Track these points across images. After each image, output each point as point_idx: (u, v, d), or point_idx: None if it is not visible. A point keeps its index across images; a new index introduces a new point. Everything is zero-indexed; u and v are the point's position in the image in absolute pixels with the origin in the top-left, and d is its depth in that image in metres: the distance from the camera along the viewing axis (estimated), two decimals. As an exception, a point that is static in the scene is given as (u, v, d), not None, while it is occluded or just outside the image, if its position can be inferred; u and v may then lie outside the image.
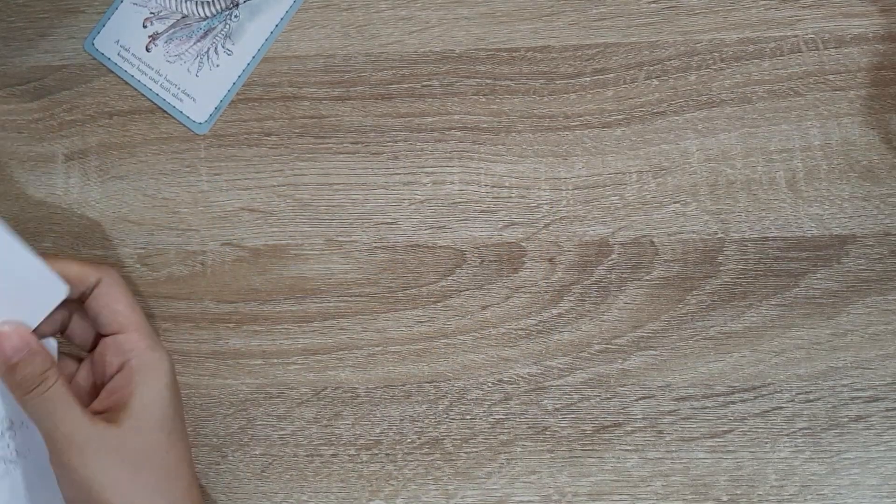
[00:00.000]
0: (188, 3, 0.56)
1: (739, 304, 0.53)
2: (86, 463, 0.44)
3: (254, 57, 0.56)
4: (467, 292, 0.54)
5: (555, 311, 0.54)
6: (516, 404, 0.53)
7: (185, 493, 0.46)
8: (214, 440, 0.53)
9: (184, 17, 0.56)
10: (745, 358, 0.53)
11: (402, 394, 0.53)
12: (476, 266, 0.54)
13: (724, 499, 0.52)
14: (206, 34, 0.56)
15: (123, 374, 0.46)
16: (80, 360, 0.49)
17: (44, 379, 0.45)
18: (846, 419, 0.52)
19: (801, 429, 0.52)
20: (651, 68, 0.55)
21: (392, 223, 0.55)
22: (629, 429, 0.53)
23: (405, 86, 0.55)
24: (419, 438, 0.53)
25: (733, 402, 0.53)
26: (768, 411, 0.52)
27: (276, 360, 0.54)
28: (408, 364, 0.54)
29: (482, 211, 0.55)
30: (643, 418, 0.53)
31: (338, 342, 0.54)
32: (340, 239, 0.55)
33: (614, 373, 0.53)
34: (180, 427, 0.47)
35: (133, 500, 0.44)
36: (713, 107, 0.55)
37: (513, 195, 0.55)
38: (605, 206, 0.54)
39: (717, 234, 0.54)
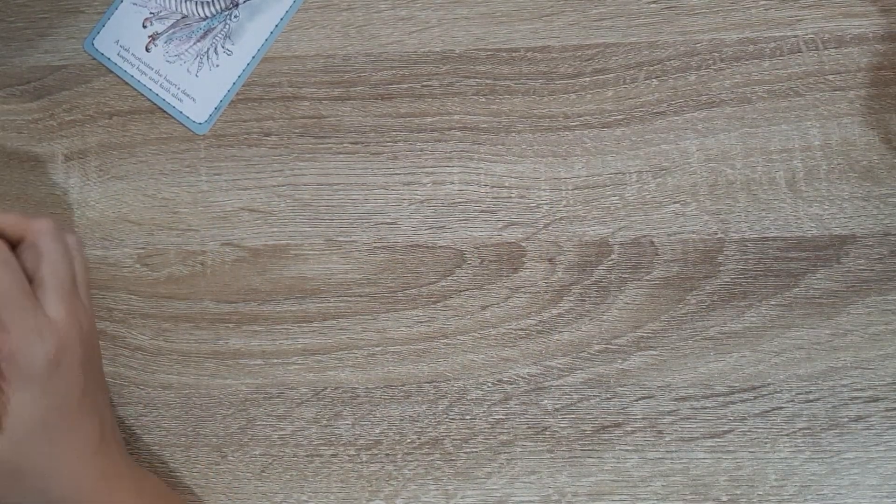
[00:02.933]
0: (188, 3, 0.56)
1: (739, 304, 0.53)
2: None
3: (254, 57, 0.56)
4: (467, 292, 0.54)
5: (555, 311, 0.54)
6: (516, 404, 0.53)
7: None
8: (214, 440, 0.53)
9: (183, 17, 0.56)
10: (745, 358, 0.53)
11: (401, 394, 0.53)
12: (476, 266, 0.54)
13: (724, 499, 0.52)
14: (205, 34, 0.56)
15: None
16: None
17: None
18: (846, 419, 0.52)
19: (800, 429, 0.52)
20: (651, 68, 0.55)
21: (392, 223, 0.55)
22: (629, 429, 0.53)
23: (405, 86, 0.55)
24: (419, 438, 0.53)
25: (733, 402, 0.53)
26: (768, 411, 0.52)
27: (276, 360, 0.54)
28: (408, 364, 0.54)
29: (482, 211, 0.54)
30: (643, 418, 0.53)
31: (338, 342, 0.54)
32: (340, 239, 0.55)
33: (614, 373, 0.53)
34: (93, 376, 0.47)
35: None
36: (713, 107, 0.55)
37: (513, 195, 0.55)
38: (605, 206, 0.54)
39: (716, 234, 0.54)
